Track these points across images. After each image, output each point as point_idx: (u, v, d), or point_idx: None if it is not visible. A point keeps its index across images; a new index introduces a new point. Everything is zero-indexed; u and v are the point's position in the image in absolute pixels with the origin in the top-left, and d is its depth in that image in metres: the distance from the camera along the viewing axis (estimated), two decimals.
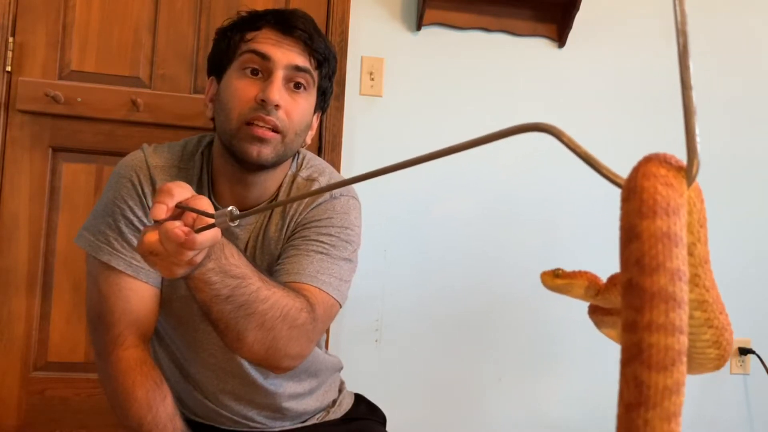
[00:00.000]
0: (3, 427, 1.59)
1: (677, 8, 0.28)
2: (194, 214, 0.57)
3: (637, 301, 0.27)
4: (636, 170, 0.30)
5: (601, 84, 1.90)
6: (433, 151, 0.35)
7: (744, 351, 1.91)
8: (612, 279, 0.43)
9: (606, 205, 1.86)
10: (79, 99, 1.62)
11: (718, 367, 0.39)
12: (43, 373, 1.62)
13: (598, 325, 0.47)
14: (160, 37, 1.69)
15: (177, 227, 0.56)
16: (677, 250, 0.27)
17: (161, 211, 0.56)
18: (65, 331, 1.62)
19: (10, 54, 1.61)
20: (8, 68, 1.61)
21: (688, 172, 0.29)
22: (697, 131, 0.28)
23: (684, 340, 0.27)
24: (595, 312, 0.46)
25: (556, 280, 0.44)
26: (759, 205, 1.96)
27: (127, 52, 1.67)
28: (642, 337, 0.27)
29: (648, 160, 0.30)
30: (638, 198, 0.28)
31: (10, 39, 1.61)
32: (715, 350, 0.38)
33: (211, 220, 0.54)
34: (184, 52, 1.70)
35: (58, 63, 1.64)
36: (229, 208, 0.51)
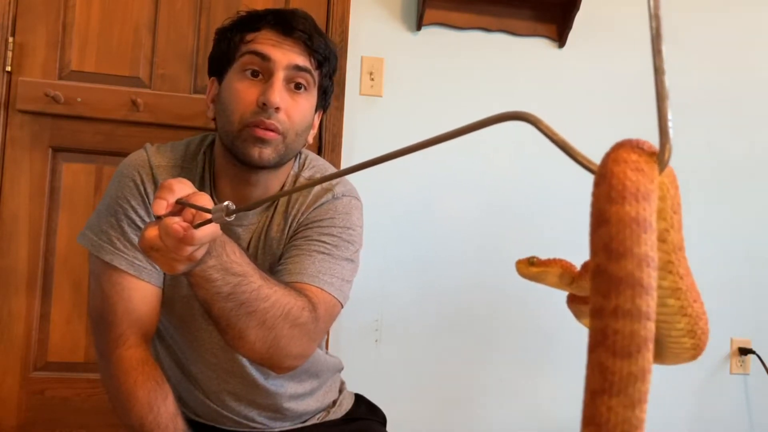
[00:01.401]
0: (3, 427, 1.59)
1: None
2: (194, 210, 0.58)
3: (603, 287, 0.27)
4: (607, 156, 0.29)
5: (601, 84, 1.90)
6: (417, 142, 0.35)
7: (744, 351, 1.91)
8: (585, 266, 0.42)
9: None
10: (79, 99, 1.62)
11: (694, 357, 0.39)
12: (43, 373, 1.61)
13: (577, 315, 0.47)
14: (160, 37, 1.69)
15: (176, 223, 0.56)
16: (646, 236, 0.27)
17: (161, 207, 0.57)
18: (65, 331, 1.62)
19: (10, 54, 1.61)
20: (8, 68, 1.61)
21: (660, 157, 0.29)
22: (670, 116, 0.28)
23: (651, 326, 0.27)
24: (573, 301, 0.46)
25: (531, 268, 0.44)
26: (759, 204, 1.96)
27: (127, 52, 1.67)
28: (607, 323, 0.27)
29: (620, 146, 0.30)
30: (607, 183, 0.28)
31: (10, 39, 1.61)
32: (690, 339, 0.37)
33: (209, 216, 0.54)
34: (184, 52, 1.70)
35: (58, 63, 1.64)
36: (225, 203, 0.52)
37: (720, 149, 1.95)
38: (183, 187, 0.59)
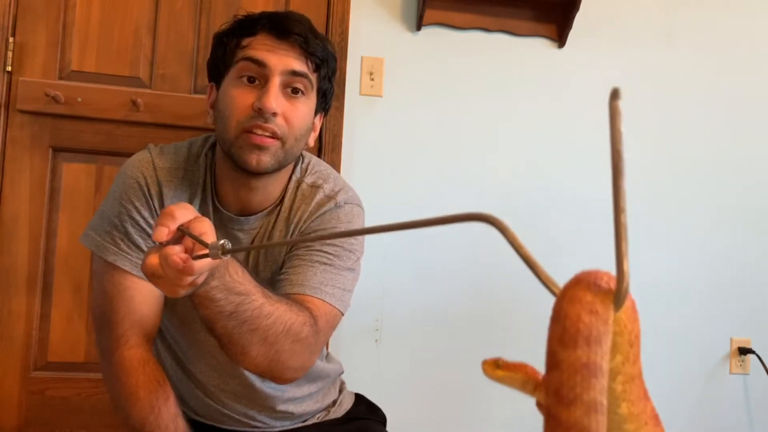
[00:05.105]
0: (3, 427, 1.59)
1: (612, 126, 0.26)
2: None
3: None
4: (563, 293, 0.29)
5: (601, 84, 1.90)
6: (385, 224, 0.36)
7: (744, 351, 1.91)
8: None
9: (606, 209, 1.86)
10: (79, 99, 1.62)
11: None
12: (43, 373, 1.61)
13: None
14: (160, 37, 1.69)
15: (176, 254, 0.57)
16: (595, 381, 0.27)
17: (162, 234, 0.57)
18: (65, 331, 1.62)
19: (10, 54, 1.61)
20: (8, 68, 1.61)
21: (616, 298, 0.29)
22: (630, 256, 0.27)
23: None
24: (541, 406, 0.47)
25: (497, 371, 0.44)
26: (760, 205, 1.96)
27: (127, 52, 1.67)
28: None
29: (577, 282, 0.29)
30: (561, 325, 0.28)
31: (10, 39, 1.61)
32: None
33: (207, 250, 0.55)
34: (184, 52, 1.70)
35: (58, 63, 1.64)
36: (222, 241, 0.53)
37: (719, 149, 1.95)
38: (184, 213, 0.59)
